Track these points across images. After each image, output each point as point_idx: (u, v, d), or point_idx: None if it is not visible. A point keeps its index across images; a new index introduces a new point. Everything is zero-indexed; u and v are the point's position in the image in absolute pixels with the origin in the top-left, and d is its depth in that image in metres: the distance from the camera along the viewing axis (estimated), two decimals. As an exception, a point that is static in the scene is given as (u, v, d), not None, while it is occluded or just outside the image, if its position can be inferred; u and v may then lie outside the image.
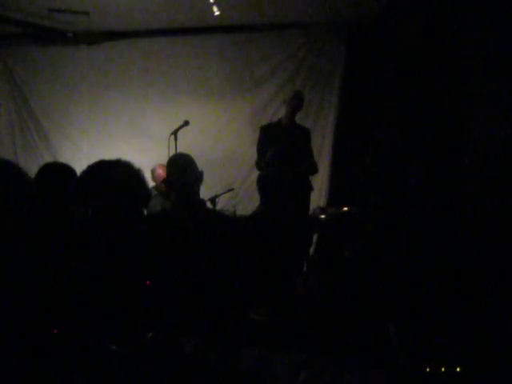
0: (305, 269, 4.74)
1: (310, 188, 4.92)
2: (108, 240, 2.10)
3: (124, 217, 2.15)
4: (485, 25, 3.44)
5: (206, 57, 6.06)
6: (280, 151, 4.57)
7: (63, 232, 2.15)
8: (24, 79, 6.28)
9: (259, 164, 4.78)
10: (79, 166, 2.37)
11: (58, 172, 2.73)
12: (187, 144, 4.67)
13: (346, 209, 4.77)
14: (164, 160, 2.82)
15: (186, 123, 4.83)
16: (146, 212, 3.11)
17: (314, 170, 4.96)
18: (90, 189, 2.15)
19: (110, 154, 2.27)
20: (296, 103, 4.79)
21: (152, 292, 2.12)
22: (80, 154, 5.96)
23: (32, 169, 2.62)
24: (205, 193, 3.41)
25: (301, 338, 2.80)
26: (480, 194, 3.57)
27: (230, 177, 5.97)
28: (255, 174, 5.03)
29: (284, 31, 5.95)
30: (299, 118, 5.50)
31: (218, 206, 4.85)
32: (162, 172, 4.98)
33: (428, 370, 2.53)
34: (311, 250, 5.22)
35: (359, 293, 3.79)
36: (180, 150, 4.46)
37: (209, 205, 4.57)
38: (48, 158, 6.03)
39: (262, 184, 4.72)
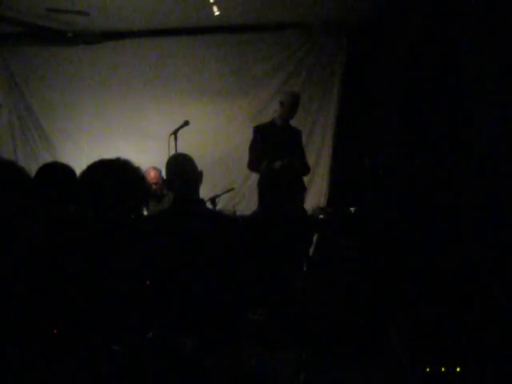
0: (305, 269, 4.73)
1: (303, 188, 4.91)
2: (108, 240, 2.10)
3: (124, 217, 2.15)
4: (485, 25, 3.44)
5: (206, 57, 6.06)
6: (276, 157, 4.58)
7: (63, 232, 2.14)
8: (24, 79, 6.27)
9: (252, 164, 4.78)
10: (79, 166, 2.37)
11: (58, 172, 2.73)
12: (187, 144, 4.67)
13: (345, 209, 4.77)
14: (164, 160, 2.82)
15: (186, 123, 4.83)
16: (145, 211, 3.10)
17: (306, 170, 4.96)
18: (89, 188, 2.15)
19: (109, 154, 2.26)
20: (296, 109, 4.81)
21: (152, 292, 2.12)
22: (80, 154, 5.96)
23: (32, 169, 2.62)
24: (205, 193, 3.40)
25: (301, 337, 2.80)
26: (480, 194, 3.57)
27: (229, 177, 5.97)
28: (255, 174, 5.03)
29: (284, 31, 5.94)
30: (299, 118, 5.50)
31: (218, 206, 4.85)
32: (153, 175, 4.98)
33: (428, 369, 2.53)
34: (311, 249, 5.22)
35: (359, 293, 3.79)
36: (180, 150, 4.46)
37: (209, 205, 4.57)
38: (48, 158, 6.02)
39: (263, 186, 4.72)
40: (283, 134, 4.82)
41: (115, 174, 2.14)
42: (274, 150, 4.65)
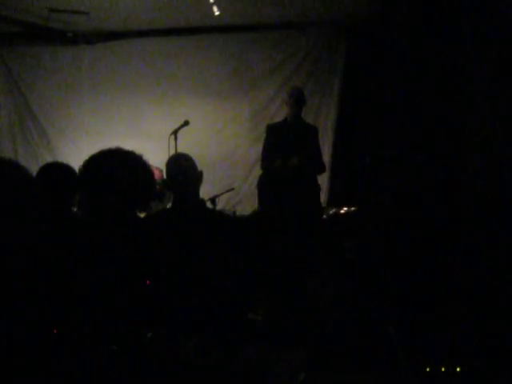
0: (305, 269, 4.74)
1: (317, 188, 4.77)
2: (108, 239, 2.10)
3: (123, 217, 2.15)
4: (485, 24, 3.44)
5: (206, 57, 6.06)
6: (288, 155, 4.49)
7: (63, 232, 2.14)
8: (24, 79, 6.27)
9: (265, 164, 4.67)
10: (79, 166, 2.37)
11: (58, 172, 2.74)
12: (187, 144, 4.67)
13: (346, 209, 4.76)
14: (164, 160, 2.82)
15: (186, 123, 4.84)
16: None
17: (320, 168, 4.81)
18: (91, 182, 2.13)
19: (109, 154, 2.25)
20: (299, 102, 4.70)
21: (152, 292, 2.12)
22: (80, 154, 5.92)
23: (32, 169, 2.62)
24: (205, 193, 3.40)
25: (301, 337, 2.80)
26: (480, 194, 3.57)
27: (229, 177, 5.97)
28: (255, 174, 5.03)
29: (284, 31, 5.95)
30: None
31: (218, 206, 4.85)
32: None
33: (428, 369, 2.53)
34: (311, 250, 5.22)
35: (359, 293, 3.79)
36: (180, 150, 4.46)
37: (209, 205, 4.57)
38: (48, 158, 6.02)
39: (262, 186, 4.65)
40: (295, 131, 4.71)
41: (117, 163, 2.12)
42: (285, 148, 4.58)
